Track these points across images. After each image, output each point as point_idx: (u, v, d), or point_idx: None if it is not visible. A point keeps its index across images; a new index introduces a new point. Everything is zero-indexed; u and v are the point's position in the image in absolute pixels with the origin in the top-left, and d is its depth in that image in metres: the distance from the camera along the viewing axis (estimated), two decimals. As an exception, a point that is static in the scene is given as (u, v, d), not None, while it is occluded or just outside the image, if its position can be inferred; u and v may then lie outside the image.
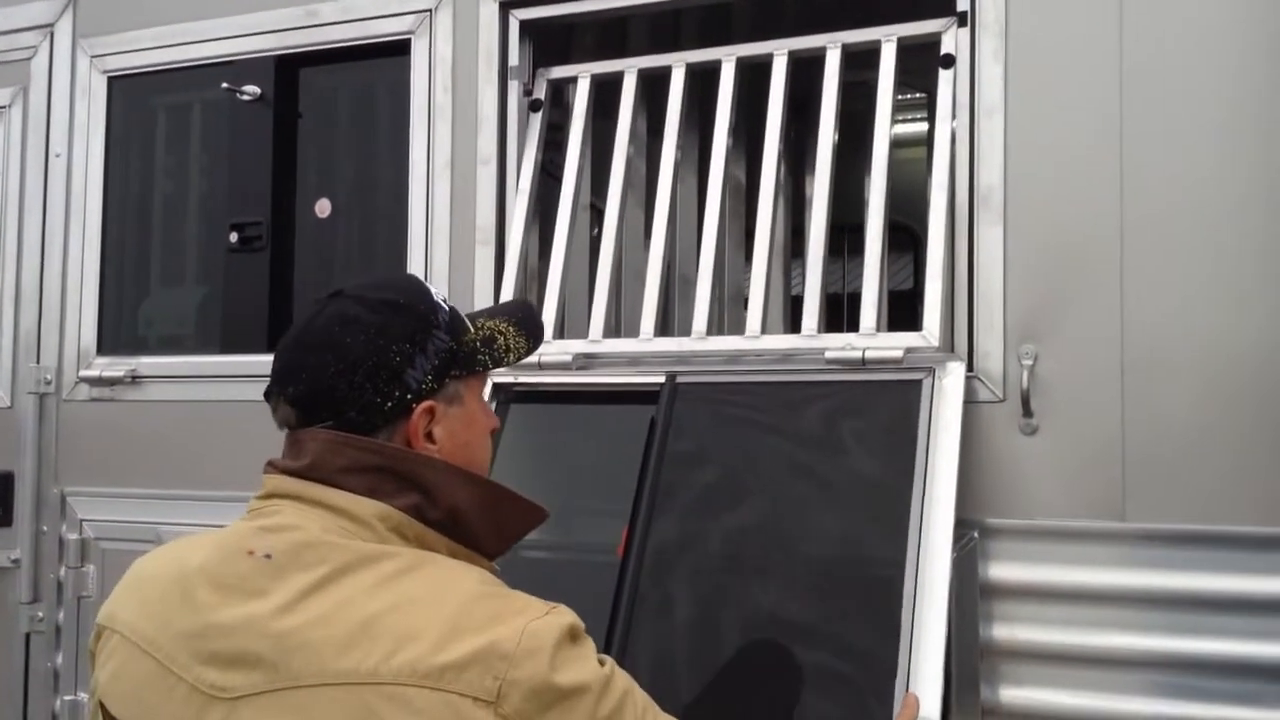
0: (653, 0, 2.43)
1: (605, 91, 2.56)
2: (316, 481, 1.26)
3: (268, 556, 1.20)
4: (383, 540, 1.23)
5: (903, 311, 3.33)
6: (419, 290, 1.37)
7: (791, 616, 1.86)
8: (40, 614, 2.84)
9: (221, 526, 2.59)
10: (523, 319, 1.47)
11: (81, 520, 2.84)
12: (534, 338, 1.48)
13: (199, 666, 1.18)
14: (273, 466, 1.31)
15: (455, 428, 1.34)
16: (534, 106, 2.55)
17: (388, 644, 1.12)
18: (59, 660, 2.82)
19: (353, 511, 1.23)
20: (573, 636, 1.19)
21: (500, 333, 1.43)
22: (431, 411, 1.31)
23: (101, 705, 1.25)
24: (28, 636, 2.85)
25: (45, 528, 2.87)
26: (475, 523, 1.30)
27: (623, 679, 1.23)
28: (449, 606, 1.15)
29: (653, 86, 2.63)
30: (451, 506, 1.27)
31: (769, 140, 2.29)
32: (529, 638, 1.14)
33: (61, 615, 2.81)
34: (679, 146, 2.43)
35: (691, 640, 1.89)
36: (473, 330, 1.39)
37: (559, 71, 2.57)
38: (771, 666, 1.83)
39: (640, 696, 1.25)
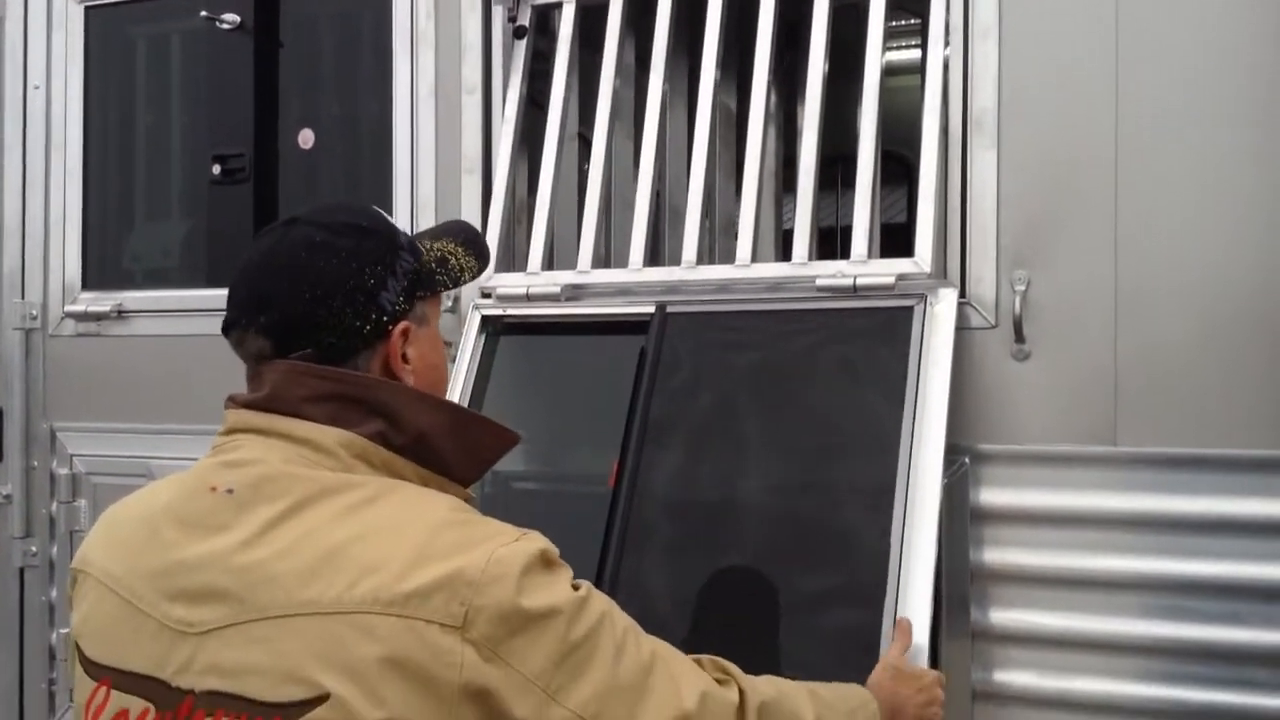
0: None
1: (592, 19, 2.50)
2: (278, 413, 1.23)
3: (230, 491, 1.19)
4: (348, 469, 1.21)
5: (896, 245, 3.31)
6: (377, 214, 1.35)
7: (782, 544, 1.86)
8: (34, 548, 2.85)
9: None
10: (468, 239, 1.46)
11: (72, 455, 2.83)
12: (482, 257, 1.48)
13: (166, 603, 1.17)
14: (233, 401, 1.28)
15: (425, 349, 1.33)
16: (518, 33, 2.48)
17: (351, 573, 1.11)
18: (53, 594, 2.83)
19: (315, 440, 1.21)
20: (544, 562, 1.17)
21: (450, 253, 1.41)
22: (406, 332, 1.30)
23: (77, 646, 1.25)
24: (21, 571, 2.87)
25: (35, 463, 2.87)
26: (444, 448, 1.27)
27: (600, 602, 1.20)
28: (414, 535, 1.14)
29: (640, 13, 2.58)
30: (418, 432, 1.25)
31: (758, 67, 2.25)
32: (495, 564, 1.12)
33: (55, 549, 2.82)
34: (667, 76, 2.37)
35: (682, 568, 1.90)
36: (426, 252, 1.37)
37: None
38: (762, 593, 1.84)
39: (621, 620, 1.23)
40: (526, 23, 2.48)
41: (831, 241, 4.39)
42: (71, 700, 2.74)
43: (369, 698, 1.08)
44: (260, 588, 1.13)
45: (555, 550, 1.20)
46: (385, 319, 1.27)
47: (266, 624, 1.12)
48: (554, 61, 2.48)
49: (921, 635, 1.69)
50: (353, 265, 1.25)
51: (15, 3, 2.97)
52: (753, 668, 1.75)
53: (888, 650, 1.67)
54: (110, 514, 1.33)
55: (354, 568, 1.11)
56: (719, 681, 1.31)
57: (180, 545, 1.19)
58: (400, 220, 2.46)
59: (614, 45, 2.40)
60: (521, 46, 2.47)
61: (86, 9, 2.90)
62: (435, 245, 1.40)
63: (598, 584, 1.85)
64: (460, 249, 1.43)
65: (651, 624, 1.77)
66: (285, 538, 1.14)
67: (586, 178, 2.99)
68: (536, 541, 1.18)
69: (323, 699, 1.09)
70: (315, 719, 1.09)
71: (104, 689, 1.21)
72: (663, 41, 2.36)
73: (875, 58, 2.15)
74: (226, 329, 1.30)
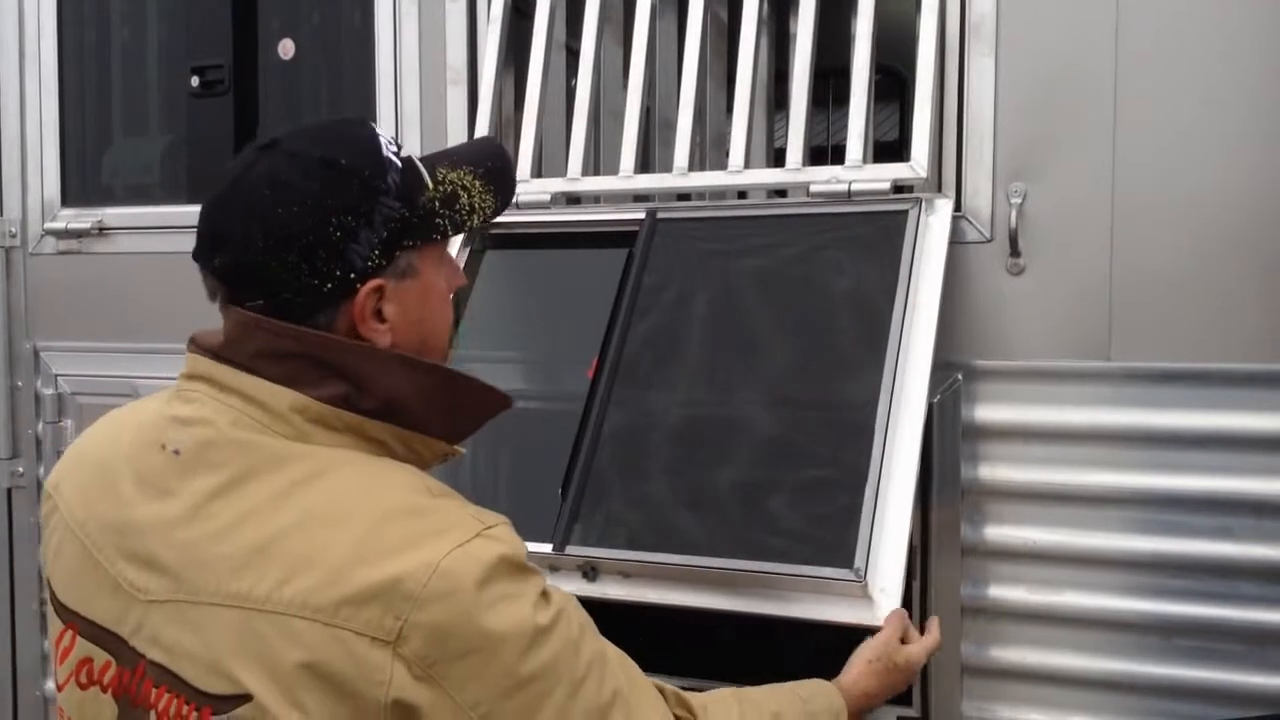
0: None
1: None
2: (232, 365, 1.15)
3: (176, 453, 1.14)
4: (301, 435, 1.13)
5: (888, 161, 3.24)
6: (366, 145, 1.19)
7: (760, 451, 1.82)
8: (20, 469, 2.83)
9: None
10: (492, 169, 1.30)
11: (56, 375, 2.80)
12: (503, 196, 1.32)
13: (122, 562, 1.14)
14: (194, 343, 1.21)
15: (409, 303, 1.20)
16: None
17: (283, 569, 1.04)
18: (42, 514, 2.81)
19: (266, 402, 1.13)
20: (507, 569, 1.06)
21: (464, 188, 1.26)
22: (380, 290, 1.18)
23: (49, 582, 1.24)
24: (9, 492, 2.85)
25: (20, 383, 2.83)
26: (421, 411, 1.18)
27: (567, 627, 1.10)
28: (356, 526, 1.05)
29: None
30: (387, 396, 1.15)
31: None
32: (441, 576, 1.02)
33: (42, 470, 2.80)
34: None
35: (656, 469, 1.85)
36: (432, 186, 1.22)
37: None
38: (737, 501, 1.79)
39: (588, 649, 1.12)
40: None
41: (824, 160, 4.32)
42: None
43: (289, 703, 1.02)
44: (195, 570, 1.08)
45: (522, 552, 1.10)
46: (353, 276, 1.15)
47: (199, 609, 1.07)
48: None
49: (902, 526, 1.64)
50: (316, 215, 1.13)
51: (-16, -89, 2.87)
52: (725, 550, 1.69)
53: (887, 636, 1.53)
54: (80, 444, 1.30)
55: (287, 562, 1.05)
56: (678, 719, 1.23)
57: (133, 504, 1.15)
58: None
59: None
60: None
61: (58, -83, 2.81)
62: (450, 176, 1.25)
63: (567, 479, 1.83)
64: (479, 183, 1.27)
65: (625, 515, 1.76)
66: (223, 516, 1.09)
67: (575, 91, 2.94)
68: (498, 544, 1.08)
69: (245, 698, 1.04)
70: (237, 718, 1.04)
71: (70, 633, 1.19)
72: None
73: None
74: (194, 257, 1.23)
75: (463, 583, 1.02)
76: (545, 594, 1.10)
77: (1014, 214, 1.95)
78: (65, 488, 1.26)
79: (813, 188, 2.01)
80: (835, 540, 1.65)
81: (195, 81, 2.67)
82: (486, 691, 1.03)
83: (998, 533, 1.96)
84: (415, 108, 2.43)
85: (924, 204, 1.91)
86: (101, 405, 2.70)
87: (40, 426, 2.81)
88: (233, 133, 2.64)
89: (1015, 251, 1.95)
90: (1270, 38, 1.83)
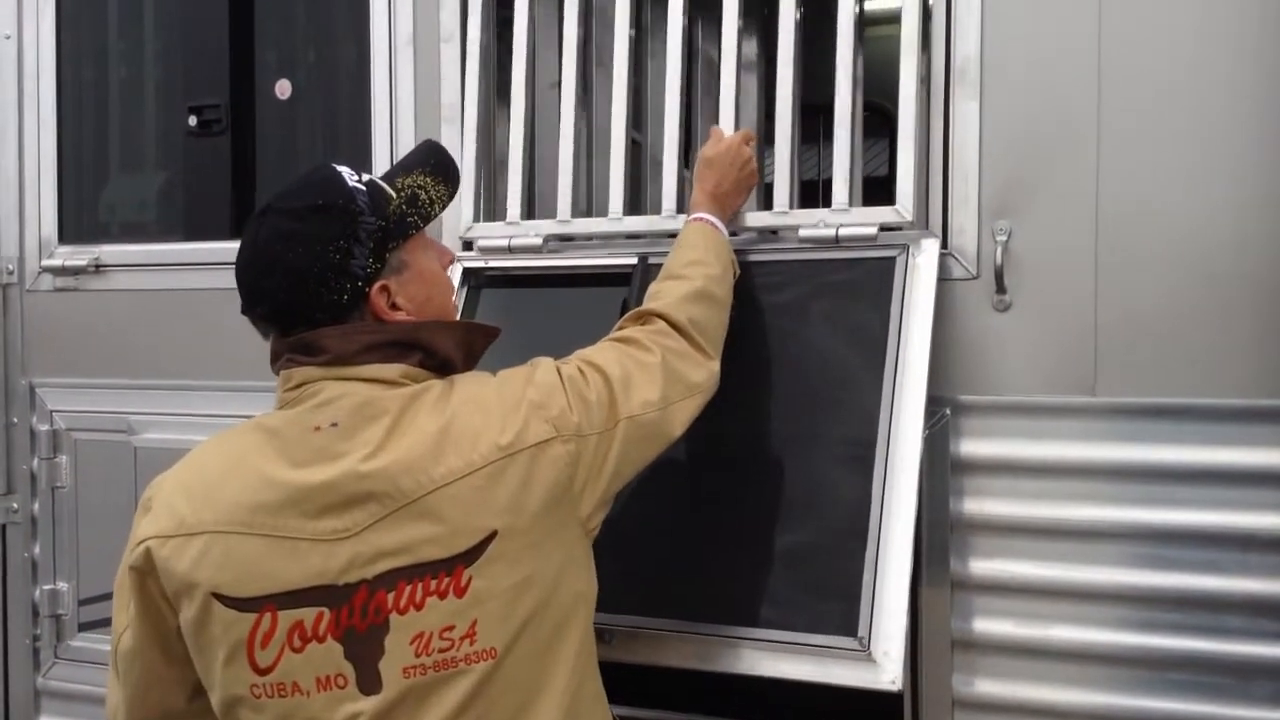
0: None
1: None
2: (343, 365, 1.44)
3: (334, 425, 1.41)
4: (411, 383, 1.47)
5: (878, 198, 3.28)
6: (335, 183, 1.48)
7: (762, 494, 1.86)
8: (15, 505, 2.83)
9: (191, 415, 2.56)
10: (436, 165, 1.60)
11: (52, 411, 2.81)
12: (451, 181, 1.62)
13: (313, 522, 1.38)
14: (293, 362, 1.46)
15: (413, 290, 1.52)
16: None
17: (469, 439, 1.41)
18: (36, 550, 2.82)
19: (382, 376, 1.45)
20: (557, 370, 1.53)
21: (419, 187, 1.55)
22: (386, 289, 1.49)
23: (215, 596, 1.39)
24: (4, 528, 2.85)
25: (15, 419, 2.84)
26: (456, 355, 1.53)
27: (575, 368, 1.57)
28: (487, 401, 1.45)
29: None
30: (446, 356, 1.50)
31: (727, 13, 2.19)
32: (543, 391, 1.48)
33: (37, 506, 2.80)
34: (633, 20, 2.31)
35: (657, 517, 1.89)
36: (395, 196, 1.51)
37: None
38: (741, 542, 1.84)
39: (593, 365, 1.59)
40: None
41: (814, 196, 4.36)
42: (57, 657, 2.76)
43: (521, 514, 1.40)
44: (402, 478, 1.38)
45: (552, 359, 1.57)
46: (361, 284, 1.46)
47: (420, 502, 1.38)
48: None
49: (902, 587, 1.70)
50: (317, 249, 1.43)
51: (-17, -51, 2.91)
52: (731, 616, 1.77)
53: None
54: (180, 485, 1.46)
55: (469, 435, 1.41)
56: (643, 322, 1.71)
57: (306, 477, 1.39)
58: (380, 170, 2.43)
59: None
60: None
61: (58, -44, 2.85)
62: (406, 182, 1.55)
63: None
64: (429, 179, 1.57)
65: (624, 566, 1.79)
66: (402, 439, 1.40)
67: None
68: (544, 363, 1.56)
69: (492, 535, 1.39)
70: (491, 553, 1.39)
71: (268, 615, 1.38)
72: None
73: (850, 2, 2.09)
74: (244, 313, 1.52)
75: (555, 382, 1.51)
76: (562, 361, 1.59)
77: (999, 251, 1.98)
78: (200, 517, 1.41)
79: (802, 232, 2.05)
80: (838, 606, 1.72)
81: (193, 120, 2.70)
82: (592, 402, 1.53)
83: (987, 567, 1.98)
84: (410, 145, 2.45)
85: (911, 249, 1.95)
86: (97, 441, 2.74)
87: (35, 462, 2.81)
88: (229, 171, 2.68)
89: (1001, 288, 1.99)
90: (1255, 76, 1.87)
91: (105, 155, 2.88)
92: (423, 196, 1.55)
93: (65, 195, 2.86)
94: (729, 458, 1.91)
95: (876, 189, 2.38)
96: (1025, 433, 1.96)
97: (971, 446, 1.99)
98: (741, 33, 2.24)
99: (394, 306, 1.49)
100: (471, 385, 1.49)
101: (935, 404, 1.96)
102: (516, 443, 1.42)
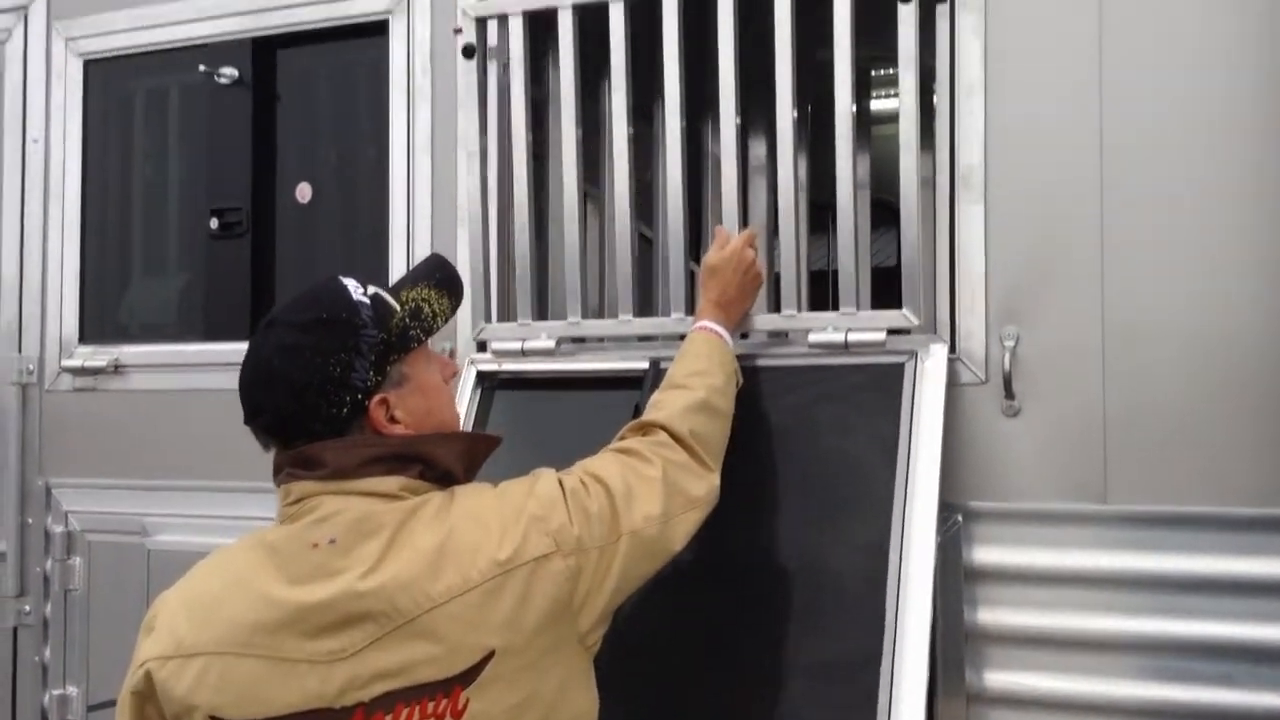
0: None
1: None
2: (339, 479, 1.43)
3: (332, 541, 1.39)
4: (411, 496, 1.46)
5: (889, 287, 3.31)
6: (339, 297, 1.49)
7: (777, 603, 1.85)
8: (27, 607, 2.84)
9: (206, 517, 2.57)
10: (440, 279, 1.61)
11: (67, 512, 2.83)
12: (455, 295, 1.63)
13: (311, 643, 1.36)
14: (293, 476, 1.45)
15: (413, 404, 1.51)
16: (467, 53, 2.34)
17: (467, 555, 1.39)
18: (47, 654, 2.81)
19: (380, 490, 1.44)
20: (559, 481, 1.52)
21: (424, 300, 1.56)
22: (385, 402, 1.48)
23: (213, 718, 1.37)
24: (15, 630, 2.85)
25: (30, 520, 2.86)
26: (457, 467, 1.52)
27: (577, 479, 1.55)
28: (486, 514, 1.44)
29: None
30: (446, 467, 1.49)
31: (724, 108, 2.19)
32: (544, 504, 1.46)
33: (49, 608, 2.81)
34: (631, 121, 2.29)
35: (669, 622, 1.88)
36: (399, 309, 1.52)
37: (486, 7, 2.37)
38: (756, 652, 1.83)
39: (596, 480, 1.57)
40: (474, 39, 2.35)
41: (825, 284, 4.40)
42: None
43: (519, 631, 1.39)
44: (399, 595, 1.36)
45: (553, 471, 1.56)
46: (360, 396, 1.46)
47: (417, 622, 1.36)
48: (510, 89, 2.36)
49: (918, 706, 1.68)
50: (317, 361, 1.43)
51: (15, 56, 3.00)
52: None
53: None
54: (183, 603, 1.45)
55: (466, 550, 1.39)
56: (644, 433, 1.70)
57: (303, 596, 1.37)
58: (396, 273, 2.48)
59: (570, 92, 2.30)
60: (474, 72, 2.37)
61: (86, 62, 2.93)
62: (410, 295, 1.55)
63: None
64: (433, 292, 1.58)
65: (628, 683, 1.78)
66: (399, 556, 1.38)
67: (586, 226, 2.99)
68: (546, 476, 1.54)
69: (490, 655, 1.37)
70: (488, 674, 1.37)
71: None
72: (621, 93, 2.27)
73: (845, 102, 2.10)
74: (245, 422, 1.51)
75: (556, 496, 1.49)
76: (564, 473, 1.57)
77: (1007, 357, 1.99)
78: (197, 638, 1.40)
79: (811, 337, 2.07)
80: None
81: (215, 223, 2.75)
82: (592, 515, 1.50)
83: (1002, 679, 1.95)
84: (427, 248, 2.50)
85: (919, 355, 1.97)
86: (111, 543, 2.74)
87: (49, 564, 2.82)
88: (249, 273, 2.73)
89: (1010, 394, 1.99)
90: (1258, 182, 1.89)
91: (128, 257, 2.94)
92: (426, 310, 1.55)
93: (87, 296, 2.91)
94: (736, 568, 1.90)
95: (888, 278, 2.39)
96: (1037, 540, 1.95)
97: (984, 554, 1.98)
98: (743, 131, 2.26)
99: (393, 419, 1.48)
100: (471, 498, 1.48)
101: (947, 510, 1.96)
102: (515, 558, 1.40)
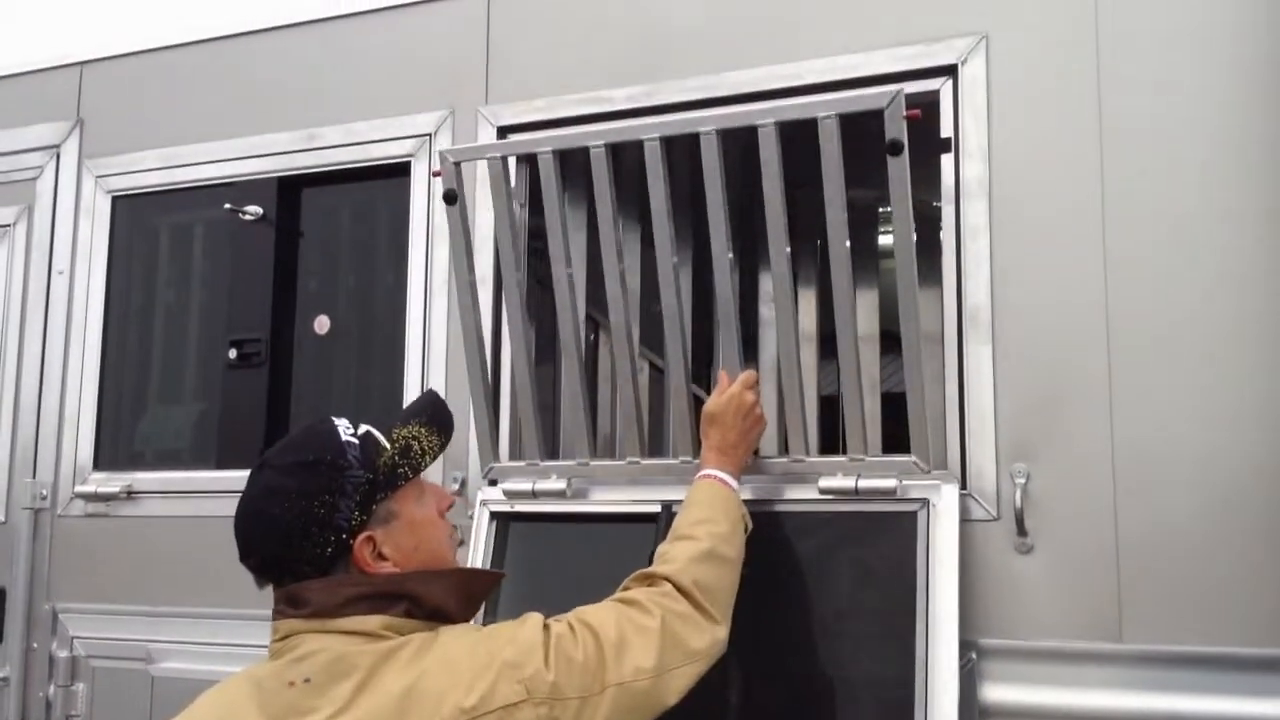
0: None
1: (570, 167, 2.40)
2: (322, 617, 1.45)
3: (307, 680, 1.40)
4: (393, 636, 1.46)
5: (901, 412, 3.31)
6: (326, 439, 1.52)
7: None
8: (28, 734, 2.80)
9: (213, 645, 2.55)
10: (432, 417, 1.64)
11: (73, 637, 2.81)
12: (445, 432, 1.66)
13: None
14: (281, 613, 1.49)
15: (400, 540, 1.53)
16: (448, 198, 2.20)
17: (432, 701, 1.38)
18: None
19: (362, 629, 1.45)
20: (545, 626, 1.50)
21: (414, 438, 1.58)
22: (371, 540, 1.50)
23: None
24: (14, 760, 2.81)
25: (35, 644, 2.84)
26: (448, 604, 1.53)
27: (566, 624, 1.54)
28: (461, 659, 1.42)
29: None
30: (436, 605, 1.50)
31: (715, 249, 2.13)
32: (522, 650, 1.45)
33: (49, 737, 2.77)
34: (624, 271, 2.23)
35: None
36: (389, 447, 1.54)
37: (462, 153, 2.26)
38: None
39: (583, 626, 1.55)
40: (454, 184, 2.20)
41: (836, 409, 4.40)
42: None
43: None
44: None
45: (541, 616, 1.53)
46: (345, 536, 1.48)
47: None
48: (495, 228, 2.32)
49: None
50: (301, 504, 1.46)
51: (46, 190, 3.09)
52: None
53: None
54: None
55: (433, 696, 1.38)
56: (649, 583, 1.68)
57: None
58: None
59: (558, 230, 2.23)
60: (457, 218, 2.23)
61: (114, 198, 3.02)
62: (402, 433, 1.58)
63: None
64: (424, 430, 1.60)
65: None
66: (370, 696, 1.38)
67: (595, 359, 3.02)
68: (530, 622, 1.51)
69: None
70: None
71: None
72: (611, 236, 2.20)
73: (839, 227, 2.01)
74: (239, 561, 1.55)
75: (536, 642, 1.48)
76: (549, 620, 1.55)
77: (1019, 494, 2.01)
78: None
79: (822, 483, 2.06)
80: None
81: (233, 353, 2.80)
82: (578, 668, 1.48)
83: (1020, 825, 1.92)
84: (442, 383, 2.52)
85: (931, 499, 1.99)
86: (115, 669, 2.72)
87: (52, 690, 2.79)
88: (265, 402, 2.76)
89: (1022, 531, 2.00)
90: (1263, 304, 1.92)
91: (145, 384, 2.98)
92: (415, 447, 1.57)
93: (103, 423, 2.94)
94: (759, 706, 1.88)
95: (897, 405, 2.38)
96: (1052, 679, 1.94)
97: (999, 692, 1.96)
98: (753, 265, 2.27)
99: (380, 556, 1.50)
100: (452, 641, 1.47)
101: (961, 648, 1.94)
102: (480, 705, 1.39)
